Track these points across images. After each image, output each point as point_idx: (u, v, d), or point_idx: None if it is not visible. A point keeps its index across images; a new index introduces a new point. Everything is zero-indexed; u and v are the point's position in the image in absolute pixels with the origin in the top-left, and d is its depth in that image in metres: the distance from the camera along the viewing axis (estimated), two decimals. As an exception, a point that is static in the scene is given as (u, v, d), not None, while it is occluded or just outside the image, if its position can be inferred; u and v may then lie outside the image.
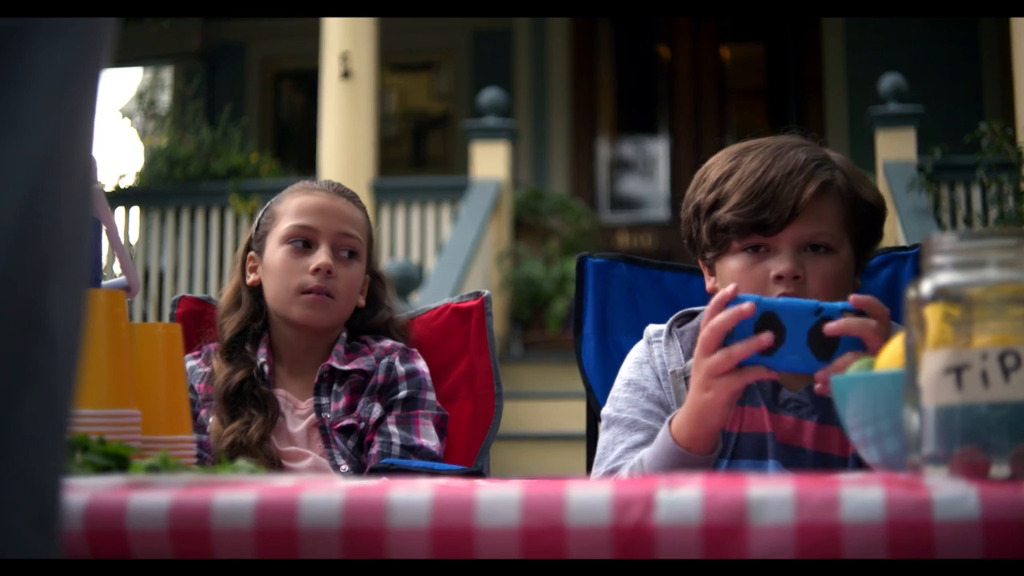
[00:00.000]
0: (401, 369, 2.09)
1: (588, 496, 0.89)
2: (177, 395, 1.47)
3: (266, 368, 2.10)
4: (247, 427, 2.02)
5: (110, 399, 1.34)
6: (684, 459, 1.55)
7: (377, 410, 2.06)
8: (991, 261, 0.93)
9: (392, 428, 2.04)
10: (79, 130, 0.76)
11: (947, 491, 0.86)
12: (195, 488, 0.98)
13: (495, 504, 0.90)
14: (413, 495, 0.92)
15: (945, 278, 0.94)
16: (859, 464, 1.43)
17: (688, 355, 1.74)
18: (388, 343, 2.14)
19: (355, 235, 2.11)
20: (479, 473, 1.98)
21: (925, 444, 0.94)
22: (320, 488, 0.94)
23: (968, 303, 0.93)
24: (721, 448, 1.59)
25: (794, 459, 1.67)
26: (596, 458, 1.76)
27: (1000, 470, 0.91)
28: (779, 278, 1.66)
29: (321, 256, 2.06)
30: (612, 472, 1.70)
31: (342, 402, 2.07)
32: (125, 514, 0.95)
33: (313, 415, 2.07)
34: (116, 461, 1.18)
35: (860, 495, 0.86)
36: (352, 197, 2.16)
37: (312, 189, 2.15)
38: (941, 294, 0.94)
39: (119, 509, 0.96)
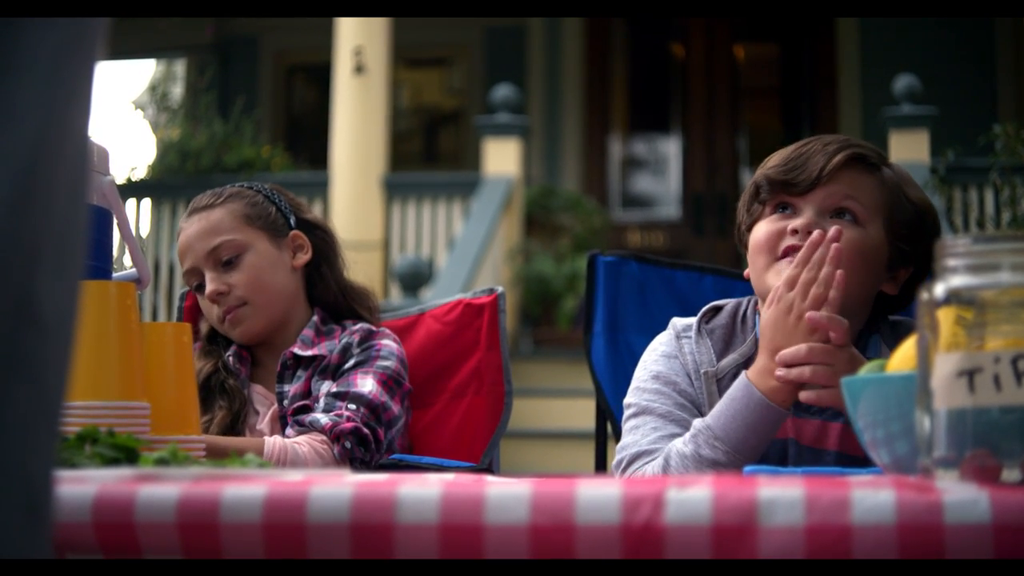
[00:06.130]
0: (357, 350, 2.05)
1: (597, 494, 0.89)
2: (186, 395, 1.47)
3: (231, 360, 2.07)
4: (208, 424, 1.99)
5: (119, 391, 1.34)
6: (770, 412, 1.58)
7: (326, 386, 2.02)
8: (1004, 264, 0.93)
9: (326, 387, 2.00)
10: (72, 116, 0.74)
11: (958, 495, 0.86)
12: (204, 482, 0.98)
13: (504, 501, 0.90)
14: (422, 491, 0.91)
15: (958, 281, 0.94)
16: None
17: (719, 355, 1.73)
18: (359, 325, 2.09)
19: (222, 240, 2.05)
20: (487, 470, 1.97)
21: (936, 447, 0.93)
22: (329, 483, 0.94)
23: (981, 306, 0.93)
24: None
25: (818, 462, 1.66)
26: (621, 444, 1.71)
27: (1011, 474, 0.90)
28: (794, 232, 1.69)
29: (207, 286, 2.04)
30: (645, 453, 1.66)
31: (299, 386, 2.03)
32: (134, 507, 0.95)
33: (275, 406, 2.04)
34: (125, 453, 1.18)
35: (871, 497, 0.86)
36: (210, 204, 2.08)
37: (181, 229, 2.10)
38: (954, 297, 0.94)
39: (128, 501, 0.96)
